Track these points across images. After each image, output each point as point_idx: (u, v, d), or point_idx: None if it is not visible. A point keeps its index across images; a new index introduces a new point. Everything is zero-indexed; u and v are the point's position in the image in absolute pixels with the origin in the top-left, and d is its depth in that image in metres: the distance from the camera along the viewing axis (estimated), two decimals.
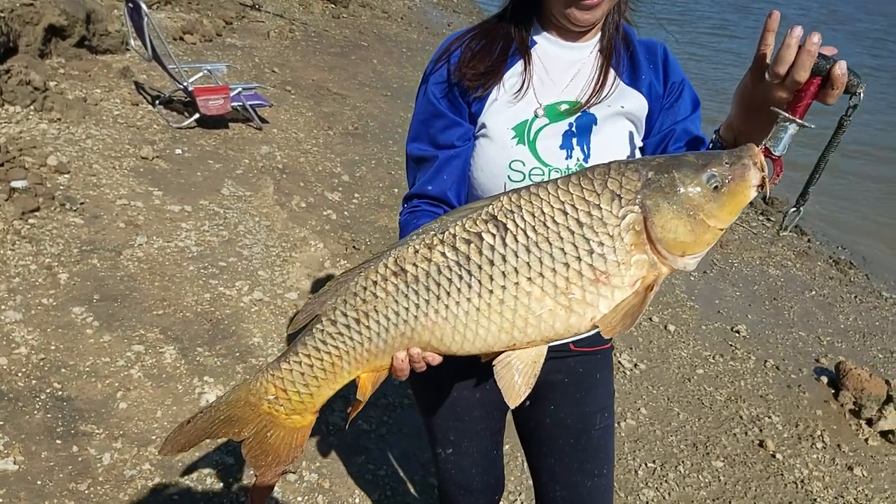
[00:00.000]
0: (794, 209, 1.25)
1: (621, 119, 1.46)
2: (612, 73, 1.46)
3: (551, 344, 1.59)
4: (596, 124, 1.44)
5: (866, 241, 7.37)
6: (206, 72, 6.26)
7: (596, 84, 1.45)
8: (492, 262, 1.12)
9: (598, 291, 1.10)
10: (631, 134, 1.46)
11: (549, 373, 1.65)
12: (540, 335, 1.15)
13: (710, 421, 3.78)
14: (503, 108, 1.45)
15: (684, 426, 3.69)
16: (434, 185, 1.49)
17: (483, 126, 1.46)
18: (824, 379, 4.39)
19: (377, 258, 1.21)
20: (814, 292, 5.76)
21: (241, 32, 9.78)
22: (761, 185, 1.10)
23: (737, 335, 4.78)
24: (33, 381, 2.93)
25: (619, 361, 4.13)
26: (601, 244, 1.09)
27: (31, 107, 5.37)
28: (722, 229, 1.12)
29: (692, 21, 21.10)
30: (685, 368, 4.24)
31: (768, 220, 7.31)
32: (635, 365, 4.13)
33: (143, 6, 5.53)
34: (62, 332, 3.24)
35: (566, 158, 1.43)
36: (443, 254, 1.15)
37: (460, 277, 1.14)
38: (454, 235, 1.15)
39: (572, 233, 1.09)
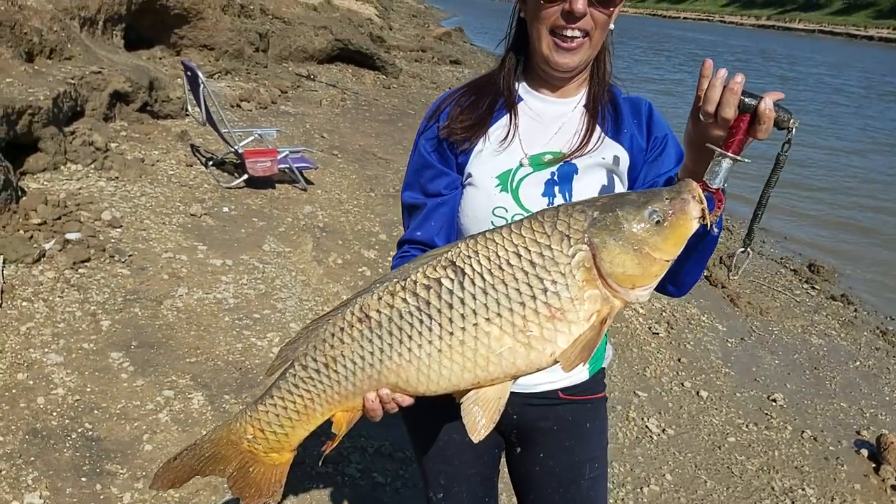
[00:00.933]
0: (742, 251, 1.30)
1: (601, 169, 1.53)
2: (597, 128, 1.55)
3: (539, 390, 1.64)
4: (577, 173, 1.52)
5: None
6: (257, 136, 6.59)
7: (582, 139, 1.53)
8: (451, 306, 1.18)
9: (556, 327, 1.15)
10: (612, 183, 1.53)
11: (537, 420, 1.68)
12: (502, 372, 1.20)
13: (739, 490, 3.67)
14: (488, 159, 1.54)
15: (711, 495, 3.59)
16: (423, 230, 1.59)
17: (469, 175, 1.56)
18: (864, 452, 4.22)
19: (344, 306, 1.29)
20: (858, 363, 5.57)
21: (296, 101, 10.27)
22: (702, 217, 1.16)
23: (773, 404, 4.65)
24: (66, 421, 3.07)
25: (646, 426, 4.07)
26: (554, 282, 1.14)
27: (92, 165, 5.74)
28: (668, 261, 1.17)
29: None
30: (716, 436, 4.14)
31: (813, 288, 7.15)
32: (663, 430, 4.06)
33: (200, 74, 5.91)
34: (98, 375, 3.40)
35: (548, 205, 1.50)
36: (404, 299, 1.22)
37: (421, 321, 1.20)
38: (415, 282, 1.22)
39: (526, 273, 1.15)
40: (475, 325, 1.17)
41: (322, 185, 6.84)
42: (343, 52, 13.09)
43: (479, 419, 1.22)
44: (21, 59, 6.15)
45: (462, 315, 1.17)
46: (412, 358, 1.21)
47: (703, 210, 1.16)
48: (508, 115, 1.56)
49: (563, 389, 1.67)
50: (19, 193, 4.72)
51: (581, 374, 1.68)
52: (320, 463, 3.00)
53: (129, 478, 2.84)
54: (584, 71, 1.55)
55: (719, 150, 1.19)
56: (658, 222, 1.14)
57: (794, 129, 1.17)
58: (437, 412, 1.68)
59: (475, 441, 1.22)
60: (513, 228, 1.20)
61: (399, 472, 3.18)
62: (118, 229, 4.83)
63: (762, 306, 6.32)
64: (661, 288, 1.54)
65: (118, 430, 3.09)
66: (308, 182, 6.65)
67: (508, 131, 1.54)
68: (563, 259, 1.15)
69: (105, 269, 4.30)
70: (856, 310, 6.83)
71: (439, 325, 1.18)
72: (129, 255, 4.52)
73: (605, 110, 1.57)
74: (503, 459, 1.85)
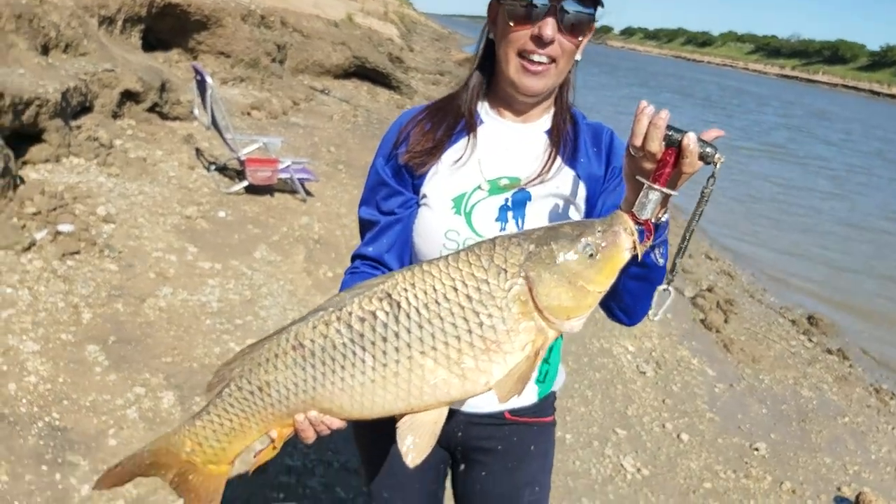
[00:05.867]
0: (665, 289, 1.31)
1: (556, 198, 1.53)
2: (557, 157, 1.55)
3: (486, 411, 1.63)
4: (531, 200, 1.52)
5: None
6: (261, 144, 6.63)
7: (542, 166, 1.53)
8: (385, 339, 1.18)
9: (491, 359, 1.16)
10: (566, 211, 1.53)
11: (482, 439, 1.67)
12: (436, 400, 1.21)
13: None
14: (444, 180, 1.54)
15: None
16: (374, 247, 1.60)
17: (424, 196, 1.56)
18: None
19: (280, 332, 1.30)
20: (847, 419, 5.48)
21: (307, 113, 10.34)
22: (633, 248, 1.18)
23: (755, 453, 4.58)
24: (35, 409, 3.05)
25: (621, 464, 4.01)
26: (490, 316, 1.16)
27: (94, 160, 5.78)
28: (601, 292, 1.19)
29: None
30: (692, 480, 4.07)
31: (809, 339, 7.08)
32: (638, 470, 4.00)
33: (209, 79, 5.96)
34: (73, 366, 3.38)
35: (500, 230, 1.49)
36: (338, 331, 1.22)
37: (354, 353, 1.21)
38: (350, 313, 1.23)
39: (462, 308, 1.16)
40: (409, 357, 1.18)
41: (322, 197, 6.85)
42: (360, 69, 13.22)
43: (415, 444, 1.23)
44: (36, 52, 6.23)
45: (396, 348, 1.19)
46: (345, 387, 1.23)
47: (633, 241, 1.18)
48: (467, 137, 1.56)
49: (510, 410, 1.66)
50: (18, 182, 4.75)
51: (530, 396, 1.67)
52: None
53: (89, 470, 2.81)
54: (548, 98, 1.56)
55: (647, 182, 1.22)
56: (591, 255, 1.16)
57: (719, 164, 1.20)
58: (382, 426, 1.68)
59: (410, 466, 1.22)
60: (450, 261, 1.21)
61: (362, 490, 3.14)
62: (111, 225, 4.84)
63: (755, 354, 6.25)
64: (612, 314, 1.54)
65: (85, 423, 3.06)
66: (308, 193, 6.67)
67: (466, 154, 1.54)
68: (500, 293, 1.16)
69: (93, 263, 4.30)
70: (851, 365, 6.74)
71: (373, 356, 1.20)
72: (119, 252, 4.53)
73: (566, 138, 1.57)
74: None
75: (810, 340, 7.08)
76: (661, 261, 1.35)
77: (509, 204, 1.51)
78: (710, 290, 7.52)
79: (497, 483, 1.69)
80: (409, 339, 1.17)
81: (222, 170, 6.71)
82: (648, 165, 1.22)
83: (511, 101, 1.54)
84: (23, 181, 4.88)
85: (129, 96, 7.04)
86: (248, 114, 9.07)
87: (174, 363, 3.63)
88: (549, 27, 1.39)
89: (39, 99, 5.38)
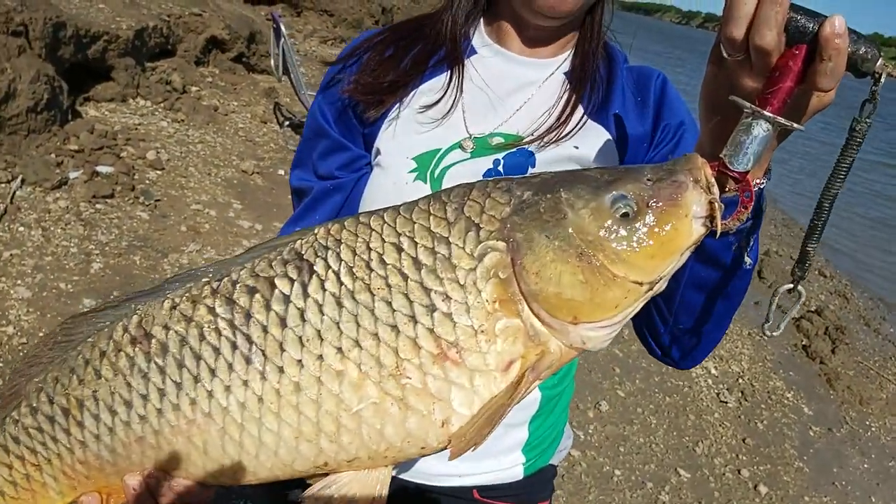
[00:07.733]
0: (791, 288, 0.77)
1: (570, 164, 0.99)
2: (579, 106, 1.01)
3: (445, 484, 1.11)
4: (534, 167, 0.99)
5: None
6: None
7: (555, 120, 1.00)
8: (283, 323, 0.72)
9: (448, 377, 0.69)
10: None
11: None
12: (364, 448, 0.71)
13: None
14: (405, 132, 1.03)
15: None
16: (301, 226, 1.09)
17: (378, 153, 1.06)
18: None
19: (119, 317, 0.79)
20: None
21: None
22: (709, 216, 0.67)
23: None
24: (1, 364, 2.77)
25: None
26: (448, 298, 0.70)
27: (162, 104, 5.56)
28: (639, 283, 0.68)
29: None
30: None
31: None
32: None
33: (282, 28, 5.63)
34: (60, 320, 3.08)
35: None
36: (211, 309, 0.74)
37: (234, 346, 0.72)
38: (234, 282, 0.75)
39: (406, 279, 0.70)
40: (320, 358, 0.70)
41: None
42: None
43: None
44: None
45: (300, 340, 0.71)
46: (214, 409, 0.73)
47: (711, 203, 0.67)
48: (449, 73, 1.04)
49: (479, 488, 1.12)
50: (68, 116, 4.55)
51: (513, 468, 1.13)
52: None
53: None
54: (572, 27, 1.03)
55: (750, 105, 0.67)
56: (626, 215, 0.68)
57: (882, 76, 0.66)
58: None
59: None
60: (401, 210, 0.75)
61: None
62: (158, 171, 4.58)
63: (864, 395, 5.34)
64: (657, 340, 0.99)
65: None
66: None
67: (445, 97, 1.02)
68: (466, 261, 0.70)
69: (124, 210, 4.03)
70: None
71: (262, 354, 0.72)
72: (156, 200, 4.25)
73: (595, 81, 1.02)
74: None
75: None
76: (748, 260, 0.81)
77: (500, 169, 0.99)
78: (818, 312, 6.56)
79: None
80: (321, 325, 0.71)
81: (297, 128, 6.38)
82: (750, 81, 0.67)
83: (521, 26, 1.03)
84: (75, 116, 4.68)
85: (215, 43, 6.83)
86: None
87: None
88: None
89: (108, 34, 5.19)
